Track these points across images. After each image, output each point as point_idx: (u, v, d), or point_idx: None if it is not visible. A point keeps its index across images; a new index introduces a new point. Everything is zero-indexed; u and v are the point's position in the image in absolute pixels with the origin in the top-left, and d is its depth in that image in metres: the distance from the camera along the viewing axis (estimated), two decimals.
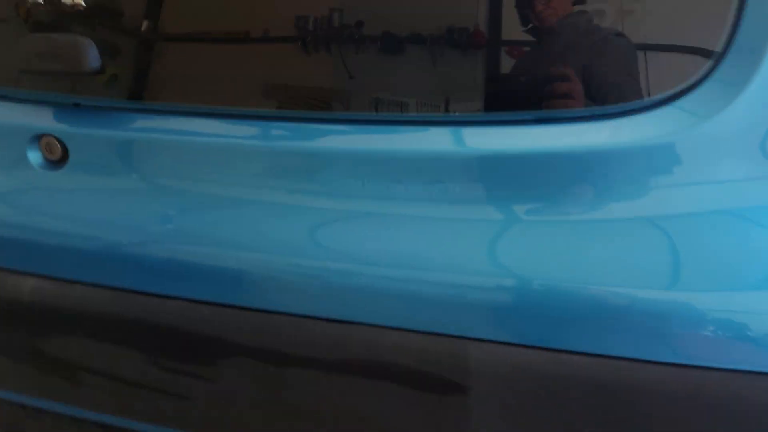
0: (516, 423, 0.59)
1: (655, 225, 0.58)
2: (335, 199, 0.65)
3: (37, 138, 0.75)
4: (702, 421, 0.55)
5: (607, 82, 0.60)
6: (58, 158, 0.75)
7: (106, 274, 0.71)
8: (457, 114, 0.63)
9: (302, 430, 0.68)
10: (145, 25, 0.73)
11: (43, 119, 0.76)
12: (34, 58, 0.73)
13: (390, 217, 0.63)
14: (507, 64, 0.63)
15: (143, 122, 0.73)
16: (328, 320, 0.62)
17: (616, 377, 0.55)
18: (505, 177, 0.61)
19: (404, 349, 0.60)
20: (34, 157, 0.76)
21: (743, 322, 0.55)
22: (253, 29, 0.69)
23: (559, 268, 0.57)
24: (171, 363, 0.70)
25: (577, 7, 0.62)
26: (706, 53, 0.58)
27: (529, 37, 0.62)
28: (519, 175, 0.60)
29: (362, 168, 0.64)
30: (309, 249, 0.65)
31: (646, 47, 0.60)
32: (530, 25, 0.61)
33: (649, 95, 0.59)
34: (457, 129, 0.63)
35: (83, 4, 0.73)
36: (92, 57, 0.71)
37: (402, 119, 0.64)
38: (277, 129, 0.68)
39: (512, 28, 0.61)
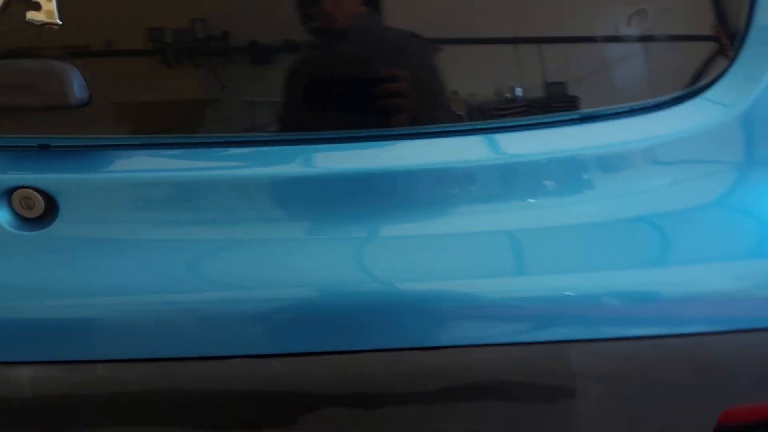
0: None
1: None
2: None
3: (7, 193, 0.60)
4: None
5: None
6: (40, 214, 0.61)
7: (137, 345, 0.59)
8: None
9: None
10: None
11: (12, 168, 0.61)
12: None
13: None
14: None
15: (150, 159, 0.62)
16: None
17: None
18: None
19: None
20: (4, 216, 0.61)
21: None
22: None
23: None
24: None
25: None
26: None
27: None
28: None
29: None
30: None
31: None
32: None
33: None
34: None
35: (58, 23, 0.60)
36: (78, 87, 0.59)
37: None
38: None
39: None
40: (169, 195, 0.62)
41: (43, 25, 0.59)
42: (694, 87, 0.66)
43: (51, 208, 0.61)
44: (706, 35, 0.66)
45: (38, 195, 0.60)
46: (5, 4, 0.58)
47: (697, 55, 0.67)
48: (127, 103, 0.62)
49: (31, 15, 0.58)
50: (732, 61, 0.65)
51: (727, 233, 0.64)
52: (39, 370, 0.60)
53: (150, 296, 0.60)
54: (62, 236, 0.61)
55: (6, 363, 0.60)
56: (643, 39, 0.67)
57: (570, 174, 0.66)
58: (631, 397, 0.61)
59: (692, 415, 0.62)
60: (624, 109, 0.65)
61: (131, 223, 0.61)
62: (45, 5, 0.58)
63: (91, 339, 0.60)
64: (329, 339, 0.59)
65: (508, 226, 0.63)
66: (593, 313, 0.61)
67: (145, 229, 0.61)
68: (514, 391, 0.61)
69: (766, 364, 0.61)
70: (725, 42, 0.65)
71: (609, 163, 0.67)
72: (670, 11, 0.66)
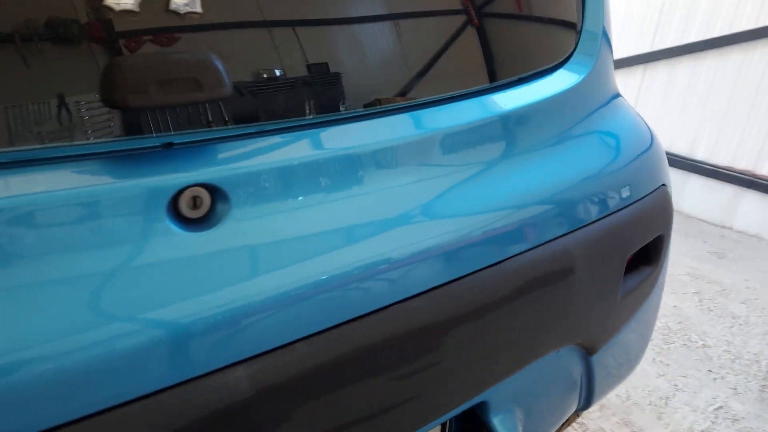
0: None
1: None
2: None
3: (175, 194, 0.56)
4: None
5: None
6: (206, 212, 0.58)
7: (322, 318, 0.63)
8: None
9: None
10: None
11: (182, 168, 0.56)
12: (153, 89, 0.54)
13: None
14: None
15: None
16: None
17: None
18: None
19: None
20: (174, 219, 0.56)
21: None
22: None
23: None
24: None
25: None
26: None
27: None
28: None
29: None
30: None
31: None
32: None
33: None
34: None
35: (199, 11, 0.57)
36: (227, 78, 0.59)
37: None
38: None
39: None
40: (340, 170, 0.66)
41: (187, 13, 0.57)
42: (561, 61, 1.01)
43: (217, 205, 0.59)
44: (566, 30, 1.03)
45: (207, 192, 0.58)
46: None
47: (562, 42, 1.02)
48: (265, 89, 0.63)
49: (174, 3, 0.56)
50: (576, 45, 1.03)
51: (582, 149, 1.02)
52: (250, 365, 0.58)
53: (333, 263, 0.64)
54: (237, 229, 0.60)
55: (219, 369, 0.57)
56: (537, 32, 0.99)
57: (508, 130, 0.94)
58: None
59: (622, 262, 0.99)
60: (530, 75, 0.97)
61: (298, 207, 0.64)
62: None
63: (282, 323, 0.61)
64: None
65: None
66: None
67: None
68: None
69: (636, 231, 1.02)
70: (574, 34, 1.03)
71: (524, 116, 0.97)
72: (553, 20, 1.00)
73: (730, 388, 2.41)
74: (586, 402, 1.14)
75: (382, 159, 0.71)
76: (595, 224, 0.94)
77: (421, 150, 0.74)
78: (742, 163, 3.88)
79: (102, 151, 0.53)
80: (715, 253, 3.59)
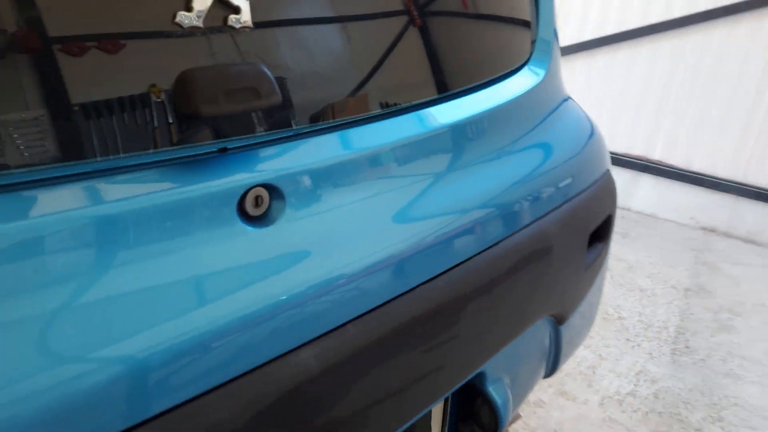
0: None
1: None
2: None
3: (242, 194, 0.61)
4: None
5: None
6: (266, 209, 0.63)
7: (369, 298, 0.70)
8: None
9: None
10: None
11: (247, 169, 0.61)
12: (221, 98, 0.59)
13: None
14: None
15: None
16: None
17: None
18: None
19: None
20: (241, 217, 0.61)
21: None
22: None
23: None
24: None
25: None
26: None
27: None
28: None
29: None
30: None
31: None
32: None
33: None
34: None
35: (251, 25, 0.62)
36: (277, 86, 0.65)
37: None
38: None
39: None
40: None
41: (241, 28, 0.62)
42: (521, 63, 1.13)
43: (274, 203, 0.64)
44: (524, 36, 1.14)
45: (266, 191, 0.63)
46: (209, 9, 0.59)
47: (521, 47, 1.14)
48: (309, 94, 0.69)
49: (231, 18, 0.61)
50: (533, 49, 1.15)
51: (560, 132, 1.15)
52: (316, 346, 0.64)
53: (372, 250, 0.71)
54: (292, 224, 0.65)
55: (288, 352, 0.62)
56: (502, 39, 1.10)
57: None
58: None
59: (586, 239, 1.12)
60: (497, 78, 1.07)
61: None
62: (243, 7, 0.62)
63: (335, 306, 0.67)
64: None
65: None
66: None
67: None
68: None
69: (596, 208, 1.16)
70: (531, 40, 1.14)
71: (495, 117, 1.08)
72: (513, 29, 1.11)
73: (647, 354, 2.67)
74: (552, 369, 1.26)
75: (402, 155, 0.78)
76: (566, 206, 1.06)
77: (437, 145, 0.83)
78: (635, 149, 4.26)
79: (178, 156, 0.57)
80: (619, 233, 3.92)
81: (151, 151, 0.55)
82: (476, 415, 1.03)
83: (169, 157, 0.56)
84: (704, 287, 3.31)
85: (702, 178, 4.06)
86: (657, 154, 4.19)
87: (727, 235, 4.09)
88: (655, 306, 3.07)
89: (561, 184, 1.05)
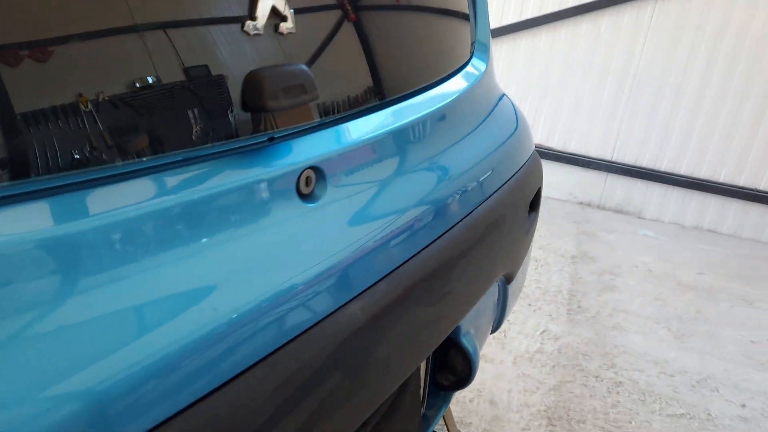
0: None
1: None
2: None
3: (298, 176, 0.71)
4: None
5: None
6: (313, 188, 0.74)
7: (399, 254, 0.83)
8: None
9: None
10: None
11: (300, 154, 0.71)
12: (281, 94, 0.69)
13: None
14: None
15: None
16: None
17: None
18: None
19: None
20: (295, 195, 0.71)
21: None
22: None
23: None
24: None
25: None
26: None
27: None
28: None
29: None
30: None
31: None
32: None
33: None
34: None
35: (294, 30, 0.72)
36: (316, 83, 0.76)
37: None
38: None
39: None
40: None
41: (288, 33, 0.72)
42: (465, 62, 1.29)
43: (319, 182, 0.75)
44: (466, 38, 1.30)
45: (313, 172, 0.74)
46: (269, 19, 0.69)
47: (464, 47, 1.30)
48: (335, 88, 0.80)
49: (282, 26, 0.71)
50: (473, 49, 1.32)
51: (503, 117, 1.32)
52: (361, 300, 0.76)
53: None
54: (335, 199, 0.76)
55: (343, 305, 0.73)
56: (451, 41, 1.25)
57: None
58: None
59: (526, 208, 1.30)
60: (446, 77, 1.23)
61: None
62: (288, 16, 0.72)
63: (373, 265, 0.80)
64: None
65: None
66: None
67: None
68: None
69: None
70: (471, 41, 1.31)
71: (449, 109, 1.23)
72: (457, 32, 1.26)
73: (547, 315, 2.99)
74: (498, 324, 1.46)
75: (397, 142, 0.92)
76: (512, 181, 1.24)
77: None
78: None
79: (250, 143, 0.67)
80: None
81: (228, 140, 0.65)
82: (450, 366, 1.19)
83: (241, 145, 0.66)
84: (587, 254, 3.72)
85: (577, 158, 4.52)
86: (538, 137, 4.60)
87: (601, 207, 4.59)
88: (549, 273, 3.42)
89: (509, 162, 1.23)
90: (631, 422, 2.32)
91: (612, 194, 4.51)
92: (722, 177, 4.20)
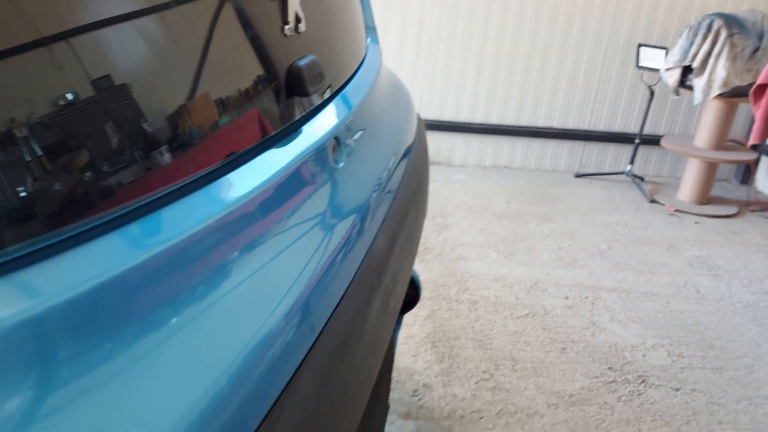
0: None
1: None
2: None
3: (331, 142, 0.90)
4: None
5: None
6: (335, 154, 0.94)
7: None
8: None
9: None
10: None
11: (332, 126, 0.90)
12: (315, 81, 0.88)
13: None
14: None
15: None
16: None
17: None
18: None
19: None
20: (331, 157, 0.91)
21: None
22: None
23: None
24: None
25: None
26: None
27: None
28: None
29: None
30: None
31: None
32: None
33: None
34: None
35: (305, 29, 0.90)
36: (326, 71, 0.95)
37: None
38: None
39: None
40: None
41: (303, 32, 0.90)
42: (366, 49, 1.51)
43: (339, 148, 0.95)
44: (361, 27, 1.52)
45: (336, 141, 0.94)
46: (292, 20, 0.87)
47: (363, 36, 1.51)
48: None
49: (301, 25, 0.89)
50: (368, 35, 1.54)
51: (401, 94, 1.58)
52: (383, 233, 0.98)
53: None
54: (349, 162, 0.97)
55: (374, 239, 0.95)
56: (355, 32, 1.46)
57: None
58: None
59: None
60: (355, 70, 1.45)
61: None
62: (302, 18, 0.90)
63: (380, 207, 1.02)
64: None
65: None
66: None
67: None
68: None
69: None
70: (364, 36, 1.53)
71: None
72: (356, 23, 1.48)
73: None
74: None
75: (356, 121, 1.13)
76: (419, 151, 1.52)
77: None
78: None
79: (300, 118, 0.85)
80: None
81: (291, 120, 0.83)
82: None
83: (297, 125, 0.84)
84: None
85: None
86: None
87: None
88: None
89: (417, 133, 1.50)
90: (492, 329, 2.80)
91: None
92: (509, 120, 4.95)
